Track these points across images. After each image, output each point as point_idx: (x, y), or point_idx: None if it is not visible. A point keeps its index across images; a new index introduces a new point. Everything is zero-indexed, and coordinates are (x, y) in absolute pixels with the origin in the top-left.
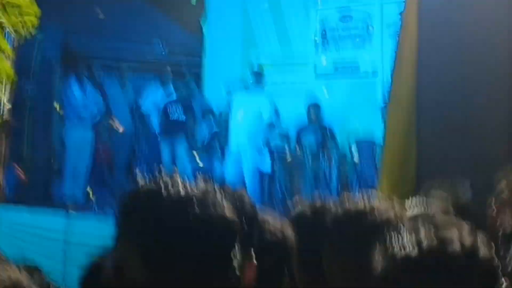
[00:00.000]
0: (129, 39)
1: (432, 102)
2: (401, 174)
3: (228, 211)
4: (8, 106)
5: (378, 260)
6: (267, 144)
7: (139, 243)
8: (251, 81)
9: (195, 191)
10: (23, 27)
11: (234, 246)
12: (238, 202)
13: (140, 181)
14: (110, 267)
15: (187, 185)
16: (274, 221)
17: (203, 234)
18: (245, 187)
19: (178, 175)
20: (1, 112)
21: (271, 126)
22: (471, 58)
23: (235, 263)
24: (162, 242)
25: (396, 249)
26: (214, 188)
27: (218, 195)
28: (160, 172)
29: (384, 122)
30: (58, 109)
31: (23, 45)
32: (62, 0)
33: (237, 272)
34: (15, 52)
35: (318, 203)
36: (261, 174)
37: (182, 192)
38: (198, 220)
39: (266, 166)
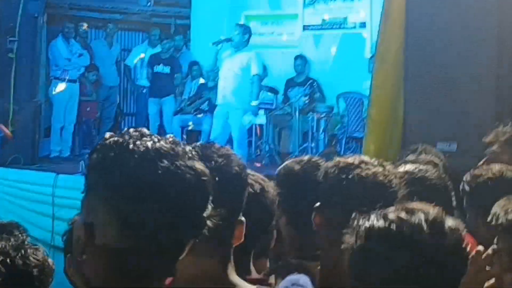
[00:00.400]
0: None
1: (420, 59)
2: (387, 132)
3: (198, 163)
4: None
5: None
6: (255, 97)
7: (107, 197)
8: (237, 34)
9: (164, 144)
10: None
11: (207, 199)
12: (224, 160)
13: (108, 135)
14: (81, 223)
15: (155, 138)
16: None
17: (172, 186)
18: (232, 142)
19: (146, 129)
20: None
21: (258, 79)
22: (461, 16)
23: (207, 215)
24: (130, 196)
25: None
26: (184, 147)
27: (188, 150)
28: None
29: (371, 77)
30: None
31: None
32: None
33: (210, 224)
34: None
35: (306, 158)
36: (249, 129)
37: (150, 145)
38: (166, 172)
39: (254, 120)
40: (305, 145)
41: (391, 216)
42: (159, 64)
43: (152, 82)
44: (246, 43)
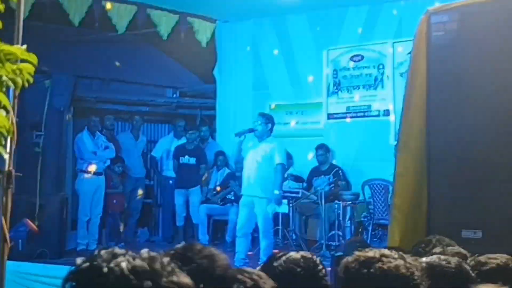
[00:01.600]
0: (142, 84)
1: (442, 145)
2: (412, 220)
3: (182, 276)
4: (6, 156)
5: None
6: (280, 186)
7: None
8: (260, 123)
9: (140, 262)
10: (19, 75)
11: None
12: (207, 261)
13: (79, 260)
14: None
15: (129, 257)
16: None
17: None
18: (258, 231)
19: (118, 248)
20: (5, 165)
21: (282, 168)
22: (485, 105)
23: None
24: None
25: None
26: (162, 260)
27: (170, 263)
28: (100, 249)
29: (394, 165)
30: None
31: (33, 94)
32: (72, 47)
33: None
34: (18, 101)
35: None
36: (275, 217)
37: (125, 266)
38: None
39: (280, 209)
40: (332, 232)
41: None
42: (184, 156)
43: (178, 173)
44: (269, 133)
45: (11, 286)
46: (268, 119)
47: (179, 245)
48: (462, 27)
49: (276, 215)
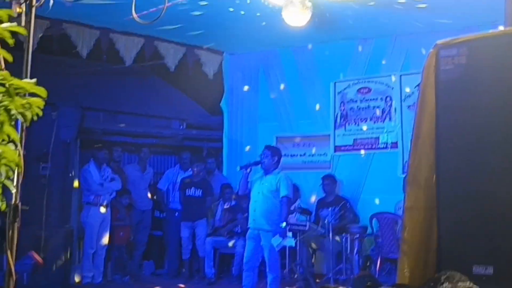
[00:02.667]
0: (149, 116)
1: (452, 180)
2: (421, 255)
3: None
4: (13, 190)
5: None
6: (286, 219)
7: None
8: (266, 156)
9: None
10: (29, 109)
11: None
12: None
13: None
14: None
15: None
16: None
17: None
18: (265, 264)
19: None
20: (11, 198)
21: (287, 201)
22: (493, 138)
23: None
24: None
25: None
26: None
27: None
28: None
29: (403, 199)
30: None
31: (40, 126)
32: (80, 79)
33: None
34: (25, 134)
35: None
36: (282, 250)
37: None
38: None
39: (286, 242)
40: (339, 266)
41: None
42: (191, 188)
43: (184, 205)
44: (276, 165)
45: None
46: (275, 152)
47: None
48: (471, 61)
49: (283, 249)
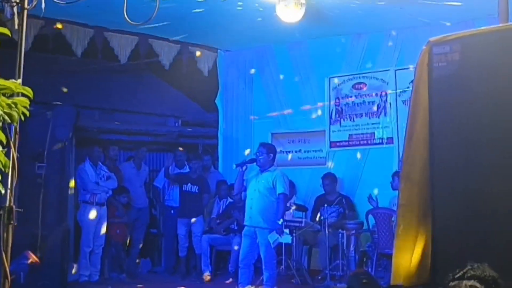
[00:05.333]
0: (144, 114)
1: (445, 176)
2: (416, 253)
3: None
4: (3, 191)
5: None
6: (282, 216)
7: None
8: (261, 153)
9: None
10: (14, 109)
11: None
12: None
13: None
14: None
15: None
16: None
17: None
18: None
19: None
20: (5, 200)
21: (283, 197)
22: (487, 135)
23: None
24: None
25: None
26: None
27: None
28: None
29: (397, 196)
30: (72, 190)
31: (35, 126)
32: (74, 77)
33: None
34: (19, 135)
35: None
36: (278, 247)
37: None
38: None
39: (283, 239)
40: (336, 262)
41: None
42: (187, 183)
43: (181, 202)
44: (271, 163)
45: None
46: (270, 149)
47: None
48: (464, 57)
49: (279, 245)
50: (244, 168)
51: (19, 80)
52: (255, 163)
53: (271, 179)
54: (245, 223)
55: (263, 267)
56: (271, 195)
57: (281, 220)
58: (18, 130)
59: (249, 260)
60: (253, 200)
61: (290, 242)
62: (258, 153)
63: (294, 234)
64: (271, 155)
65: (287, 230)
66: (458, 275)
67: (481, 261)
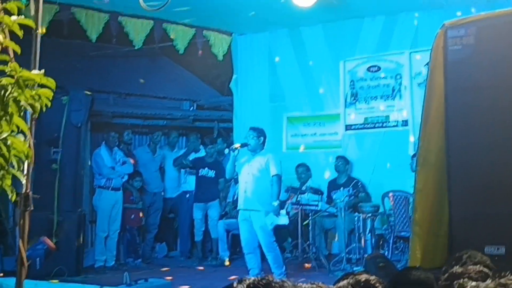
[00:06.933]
0: (159, 98)
1: (462, 161)
2: (433, 237)
3: None
4: (23, 180)
5: None
6: (278, 197)
7: None
8: (252, 137)
9: None
10: (38, 101)
11: None
12: None
13: None
14: None
15: None
16: None
17: None
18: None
19: None
20: (22, 188)
21: (278, 179)
22: (502, 117)
23: None
24: None
25: None
26: None
27: None
28: None
29: (414, 180)
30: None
31: (50, 111)
32: (89, 62)
33: None
34: (35, 123)
35: None
36: (294, 231)
37: None
38: None
39: (280, 220)
40: (352, 245)
41: None
42: (204, 167)
43: (197, 186)
44: (262, 146)
45: None
46: (260, 133)
47: None
48: (479, 40)
49: (280, 227)
50: (236, 152)
51: (42, 71)
52: (246, 148)
53: (264, 161)
54: (239, 208)
55: (265, 250)
56: (265, 178)
57: (277, 201)
58: (35, 119)
59: (252, 244)
60: (247, 183)
61: (287, 223)
62: (248, 137)
63: (310, 218)
64: (262, 138)
65: (283, 211)
66: (462, 261)
67: (498, 243)
